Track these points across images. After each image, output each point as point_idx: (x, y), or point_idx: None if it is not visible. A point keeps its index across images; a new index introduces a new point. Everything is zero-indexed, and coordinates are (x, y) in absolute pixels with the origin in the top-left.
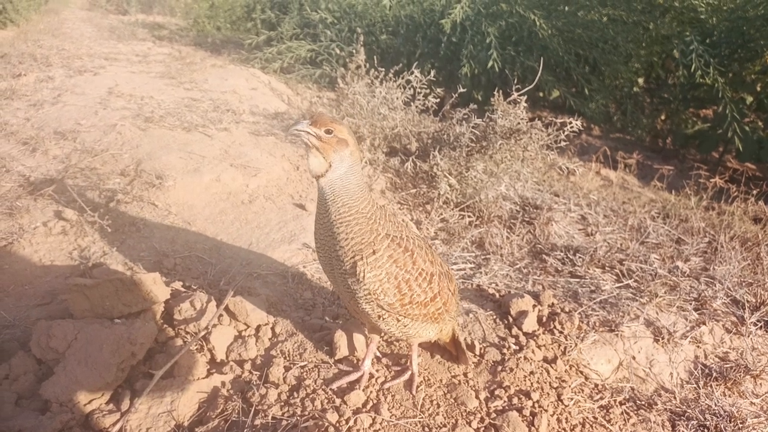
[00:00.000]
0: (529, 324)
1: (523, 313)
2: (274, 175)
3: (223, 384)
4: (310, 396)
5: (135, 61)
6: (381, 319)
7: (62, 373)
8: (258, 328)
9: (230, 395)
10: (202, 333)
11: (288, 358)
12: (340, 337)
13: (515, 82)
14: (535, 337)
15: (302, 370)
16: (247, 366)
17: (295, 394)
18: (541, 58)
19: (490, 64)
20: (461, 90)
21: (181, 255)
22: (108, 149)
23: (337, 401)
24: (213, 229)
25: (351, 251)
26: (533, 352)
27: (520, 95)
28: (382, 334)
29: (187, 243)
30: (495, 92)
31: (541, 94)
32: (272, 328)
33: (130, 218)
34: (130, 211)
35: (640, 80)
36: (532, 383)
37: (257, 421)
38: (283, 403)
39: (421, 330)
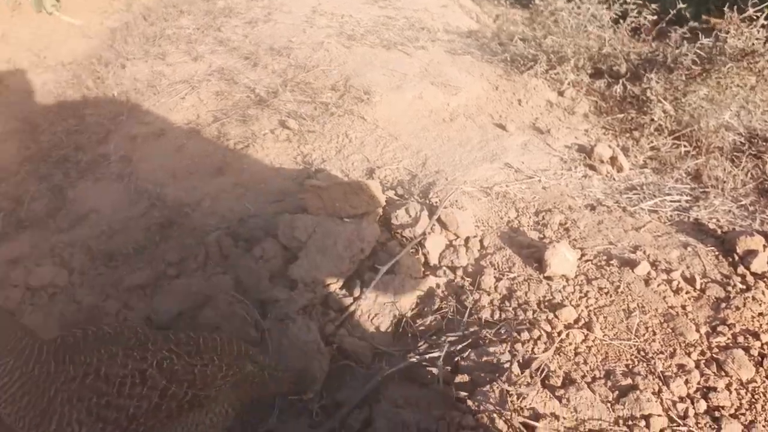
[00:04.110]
0: (759, 264)
1: (751, 252)
2: (474, 95)
3: (438, 285)
4: (522, 306)
5: None
6: None
7: (305, 259)
8: (467, 240)
9: (445, 296)
10: (419, 238)
11: (498, 270)
12: (552, 255)
13: None
14: (765, 279)
15: (512, 282)
16: (459, 272)
17: (507, 303)
18: None
19: None
20: (680, 5)
21: (390, 167)
22: (318, 65)
23: (550, 315)
24: (417, 144)
25: None
26: (763, 293)
27: (756, 11)
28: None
29: (394, 156)
30: (725, 8)
31: None
32: (480, 241)
33: (343, 130)
34: (342, 123)
35: None
36: (761, 324)
37: (472, 321)
38: (495, 309)
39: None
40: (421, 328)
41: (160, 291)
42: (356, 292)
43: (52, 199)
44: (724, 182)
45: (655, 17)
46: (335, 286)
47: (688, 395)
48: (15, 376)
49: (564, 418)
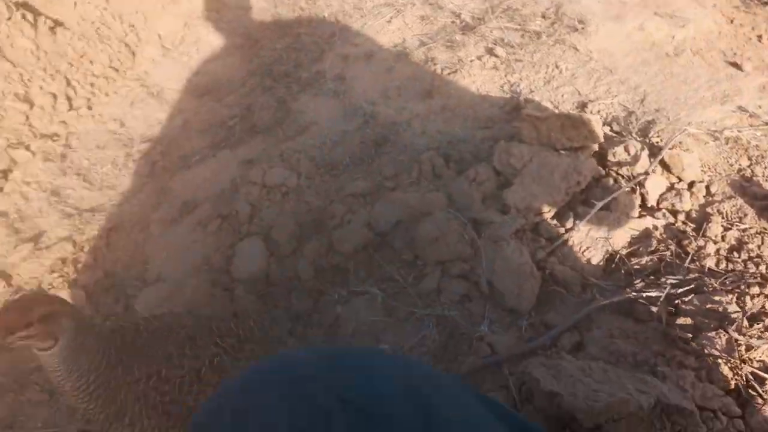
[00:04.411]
0: None
1: None
2: (704, 28)
3: (655, 227)
4: (754, 260)
5: None
6: None
7: (519, 186)
8: (691, 184)
9: (663, 239)
10: (639, 177)
11: (726, 219)
12: None
13: None
14: None
15: (743, 234)
16: (681, 217)
17: (735, 254)
18: None
19: None
20: None
21: (604, 102)
22: None
23: None
24: (635, 79)
25: None
26: None
27: None
28: None
29: (608, 90)
30: None
31: None
32: (707, 187)
33: (553, 60)
34: (552, 53)
35: None
36: None
37: (693, 268)
38: (721, 258)
39: None
40: (636, 267)
41: (379, 200)
42: (568, 224)
43: (278, 110)
44: None
45: None
46: (547, 215)
47: None
48: (90, 378)
49: None
